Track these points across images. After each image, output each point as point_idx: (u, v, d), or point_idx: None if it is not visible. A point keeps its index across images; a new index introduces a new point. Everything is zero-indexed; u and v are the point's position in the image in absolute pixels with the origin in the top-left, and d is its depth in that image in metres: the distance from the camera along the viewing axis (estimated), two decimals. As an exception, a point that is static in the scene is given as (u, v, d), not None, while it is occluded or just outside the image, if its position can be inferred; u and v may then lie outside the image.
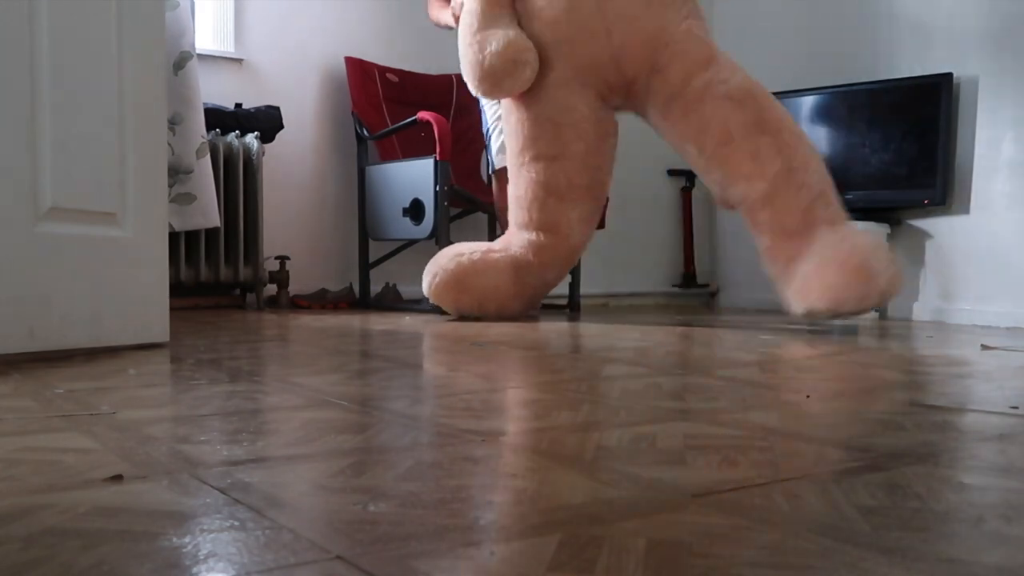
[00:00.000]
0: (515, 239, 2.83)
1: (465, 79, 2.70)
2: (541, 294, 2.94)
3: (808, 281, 2.33)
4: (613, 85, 2.72)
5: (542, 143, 2.72)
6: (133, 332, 1.76)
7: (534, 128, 2.72)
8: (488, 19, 2.62)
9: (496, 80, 2.56)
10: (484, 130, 3.20)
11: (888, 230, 3.58)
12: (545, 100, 2.71)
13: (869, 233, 2.45)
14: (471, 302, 2.76)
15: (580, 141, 2.72)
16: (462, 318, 2.80)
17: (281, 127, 3.25)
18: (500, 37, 2.56)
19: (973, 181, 3.38)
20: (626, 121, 2.91)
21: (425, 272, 2.79)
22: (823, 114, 3.72)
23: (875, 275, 2.25)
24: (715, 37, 4.62)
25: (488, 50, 2.55)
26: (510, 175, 2.84)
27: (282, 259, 3.27)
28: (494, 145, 3.10)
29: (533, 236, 2.78)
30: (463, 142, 3.65)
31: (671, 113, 2.62)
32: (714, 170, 2.57)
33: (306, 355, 1.68)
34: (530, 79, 2.60)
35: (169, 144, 2.80)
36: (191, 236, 3.01)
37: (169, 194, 2.79)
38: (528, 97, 2.71)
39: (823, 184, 2.47)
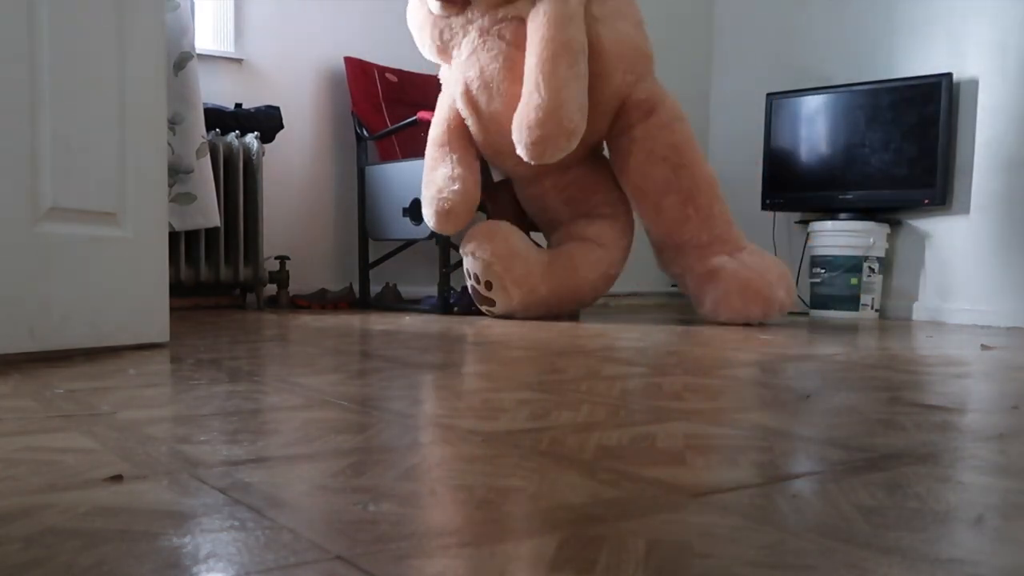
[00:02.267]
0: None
1: None
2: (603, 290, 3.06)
3: (718, 305, 2.82)
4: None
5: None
6: (133, 332, 1.76)
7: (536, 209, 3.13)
8: (431, 162, 2.91)
9: (438, 226, 2.84)
10: None
11: (888, 230, 3.58)
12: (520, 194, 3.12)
13: (766, 257, 2.86)
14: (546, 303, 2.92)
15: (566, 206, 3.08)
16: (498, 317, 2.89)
17: (281, 127, 3.26)
18: (432, 184, 2.85)
19: (973, 181, 3.38)
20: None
21: (513, 280, 2.83)
22: (823, 114, 3.72)
23: (773, 296, 2.76)
24: (715, 37, 4.63)
25: (424, 201, 2.87)
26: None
27: (282, 259, 3.27)
28: None
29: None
30: (463, 142, 3.64)
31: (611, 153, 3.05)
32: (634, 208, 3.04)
33: (306, 355, 1.68)
34: (459, 219, 2.82)
35: (169, 144, 2.80)
36: (191, 236, 3.01)
37: (169, 194, 2.79)
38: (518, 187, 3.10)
39: (722, 226, 2.88)
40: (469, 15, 2.82)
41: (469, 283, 2.91)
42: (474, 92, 2.80)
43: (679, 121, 2.89)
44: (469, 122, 2.88)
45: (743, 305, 2.76)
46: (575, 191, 3.04)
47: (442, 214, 2.80)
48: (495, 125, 2.81)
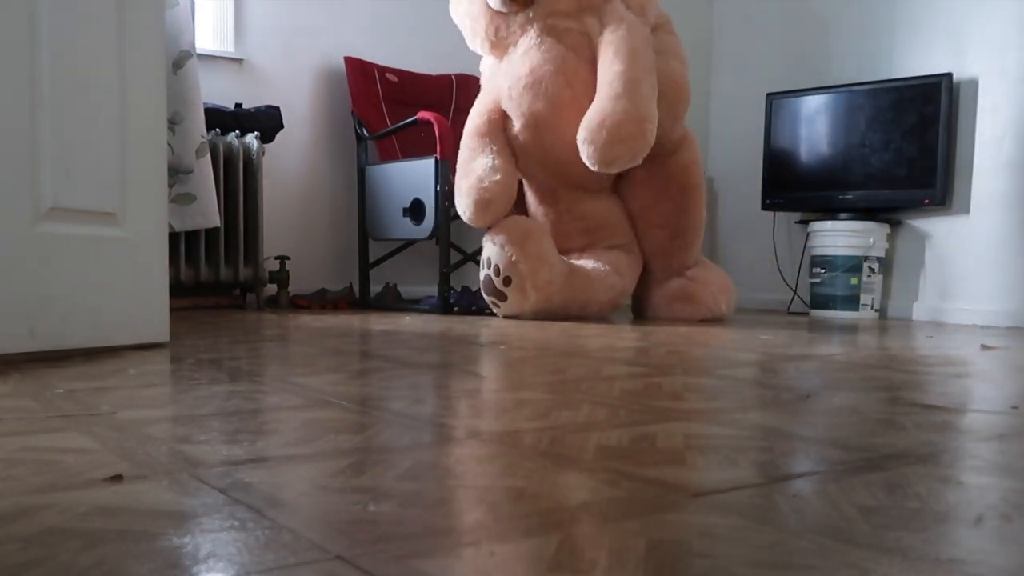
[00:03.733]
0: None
1: None
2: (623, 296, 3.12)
3: (658, 307, 3.11)
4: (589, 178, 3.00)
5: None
6: (133, 332, 1.76)
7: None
8: (469, 152, 2.90)
9: (475, 217, 2.83)
10: None
11: (888, 230, 3.59)
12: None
13: (711, 271, 3.10)
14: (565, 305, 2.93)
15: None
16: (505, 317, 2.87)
17: (281, 127, 3.26)
18: (472, 173, 2.84)
19: (973, 181, 3.38)
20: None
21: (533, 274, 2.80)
22: (823, 114, 3.72)
23: (714, 305, 3.01)
24: (715, 37, 4.63)
25: (460, 191, 2.83)
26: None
27: (282, 259, 3.28)
28: None
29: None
30: (463, 142, 3.65)
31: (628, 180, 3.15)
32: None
33: (306, 355, 1.68)
34: (498, 212, 2.81)
35: (169, 144, 2.80)
36: (191, 236, 3.01)
37: (169, 194, 2.79)
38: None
39: (693, 256, 3.13)
40: (530, 14, 2.83)
41: (484, 272, 2.84)
42: (520, 90, 2.79)
43: (696, 164, 3.06)
44: (514, 118, 2.85)
45: (679, 306, 3.04)
46: (593, 224, 3.04)
47: (481, 204, 2.76)
48: (532, 123, 2.80)
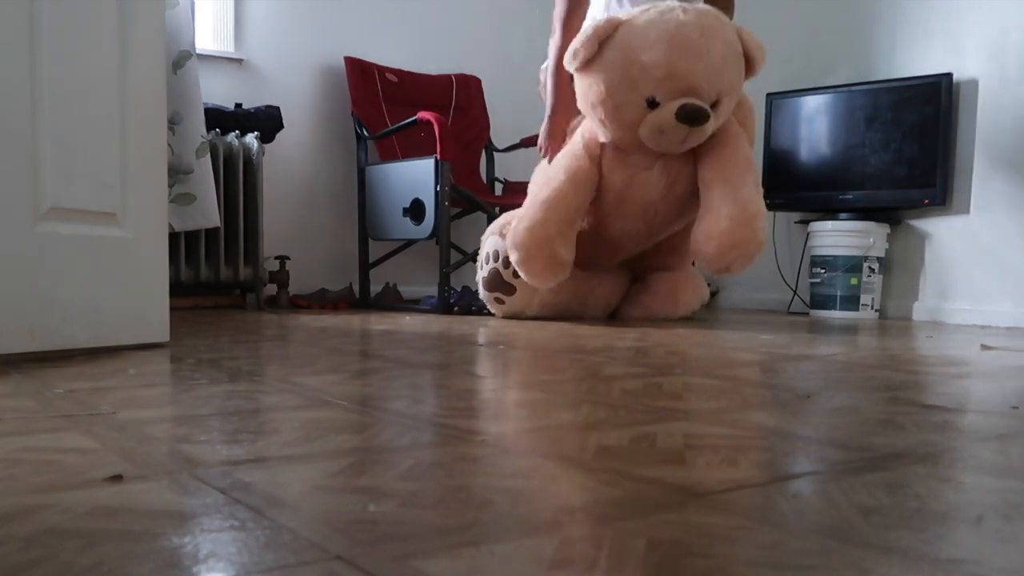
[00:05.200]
0: None
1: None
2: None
3: (619, 311, 3.07)
4: None
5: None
6: (133, 332, 1.76)
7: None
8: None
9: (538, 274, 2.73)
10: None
11: (888, 230, 3.58)
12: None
13: (668, 277, 3.08)
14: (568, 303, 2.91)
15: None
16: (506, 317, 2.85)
17: (281, 127, 3.26)
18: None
19: (973, 181, 3.38)
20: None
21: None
22: (823, 114, 3.72)
23: (642, 307, 3.03)
24: (715, 37, 4.58)
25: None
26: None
27: (282, 259, 3.28)
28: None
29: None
30: (462, 142, 3.65)
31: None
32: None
33: (306, 355, 1.68)
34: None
35: (169, 144, 2.80)
36: (191, 236, 3.01)
37: (169, 194, 2.79)
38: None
39: (676, 267, 3.13)
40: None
41: (491, 265, 2.76)
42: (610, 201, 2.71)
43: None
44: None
45: (625, 307, 3.04)
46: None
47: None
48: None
